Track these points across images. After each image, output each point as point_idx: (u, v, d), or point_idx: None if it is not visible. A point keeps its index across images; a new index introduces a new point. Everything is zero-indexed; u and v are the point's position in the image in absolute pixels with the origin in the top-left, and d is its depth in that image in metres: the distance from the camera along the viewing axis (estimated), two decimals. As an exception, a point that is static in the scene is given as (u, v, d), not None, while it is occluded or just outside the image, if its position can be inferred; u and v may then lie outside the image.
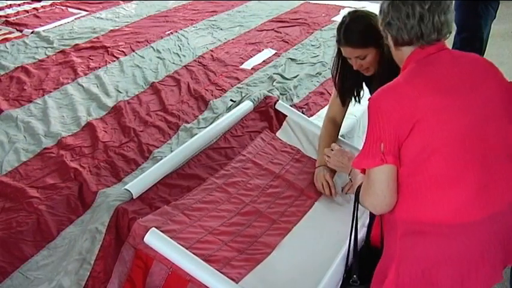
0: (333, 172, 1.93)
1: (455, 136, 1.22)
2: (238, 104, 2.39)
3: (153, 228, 1.53)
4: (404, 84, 1.27)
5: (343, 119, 2.10)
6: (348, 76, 1.93)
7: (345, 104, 2.04)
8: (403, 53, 1.33)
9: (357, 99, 2.02)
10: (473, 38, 3.61)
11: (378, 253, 1.43)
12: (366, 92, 2.05)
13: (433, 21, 1.25)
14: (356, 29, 1.74)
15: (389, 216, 1.33)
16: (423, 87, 1.24)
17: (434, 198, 1.23)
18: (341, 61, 1.88)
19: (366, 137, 1.29)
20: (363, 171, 1.32)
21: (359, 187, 1.40)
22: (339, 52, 1.85)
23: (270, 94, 2.45)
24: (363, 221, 1.76)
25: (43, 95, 2.66)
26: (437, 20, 1.25)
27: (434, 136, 1.21)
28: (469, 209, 1.22)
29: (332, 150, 1.86)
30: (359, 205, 1.46)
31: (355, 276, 1.52)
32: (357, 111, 2.42)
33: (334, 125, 2.07)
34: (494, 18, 3.66)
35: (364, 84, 2.00)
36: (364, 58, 1.76)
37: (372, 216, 1.68)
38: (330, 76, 2.85)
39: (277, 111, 2.30)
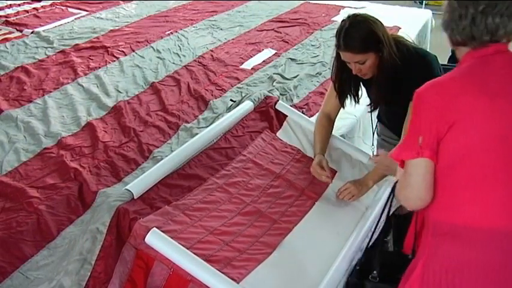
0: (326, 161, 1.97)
1: (492, 140, 1.20)
2: (238, 104, 2.39)
3: (154, 228, 1.53)
4: (451, 81, 1.26)
5: (336, 116, 2.11)
6: (347, 79, 1.93)
7: (343, 104, 2.05)
8: (460, 52, 1.30)
9: (356, 99, 2.02)
10: (473, 38, 3.61)
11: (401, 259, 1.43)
12: (364, 93, 2.06)
13: (486, 23, 1.22)
14: (356, 35, 1.73)
15: (423, 215, 1.33)
16: (469, 86, 1.22)
17: (463, 199, 1.22)
18: (340, 64, 1.88)
19: (408, 129, 1.29)
20: (402, 164, 1.29)
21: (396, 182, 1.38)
22: (338, 56, 1.85)
23: (270, 94, 2.45)
24: (370, 225, 1.76)
25: (43, 95, 2.66)
26: (490, 22, 1.22)
27: (471, 137, 1.19)
28: (495, 215, 1.21)
29: (377, 155, 1.85)
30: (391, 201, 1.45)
31: (375, 272, 1.51)
32: (357, 111, 2.42)
33: (328, 120, 2.08)
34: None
35: (362, 85, 2.01)
36: (364, 63, 1.76)
37: (401, 222, 1.68)
38: (330, 76, 2.88)
39: (277, 111, 2.30)
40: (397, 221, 2.32)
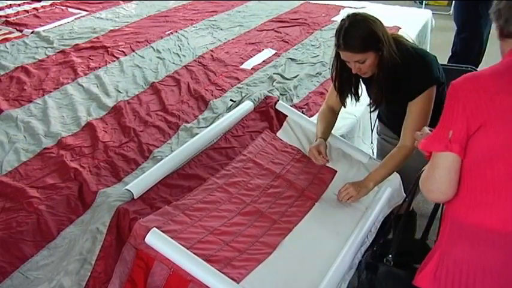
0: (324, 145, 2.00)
1: None
2: (238, 104, 2.39)
3: (154, 228, 1.53)
4: (488, 77, 1.20)
5: (340, 110, 2.12)
6: (347, 78, 1.94)
7: (344, 103, 2.05)
8: (508, 45, 1.24)
9: (356, 98, 2.03)
10: (473, 38, 3.62)
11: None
12: (364, 93, 2.06)
13: None
14: (356, 34, 1.73)
15: (445, 208, 1.32)
16: (506, 85, 1.17)
17: (487, 201, 1.20)
18: (340, 63, 1.89)
19: (439, 121, 1.25)
20: (429, 155, 1.28)
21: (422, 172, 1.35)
22: (338, 55, 1.85)
23: (270, 94, 2.45)
24: (370, 225, 1.77)
25: (43, 95, 2.66)
26: None
27: (502, 139, 1.16)
28: None
29: (421, 133, 1.73)
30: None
31: (390, 256, 1.50)
32: (357, 111, 2.42)
33: (331, 111, 2.11)
34: (495, 18, 3.66)
35: (363, 83, 2.01)
36: (364, 62, 1.77)
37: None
38: (330, 76, 2.88)
39: (277, 111, 2.30)
40: (397, 220, 2.33)
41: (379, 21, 1.78)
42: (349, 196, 1.88)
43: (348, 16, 1.78)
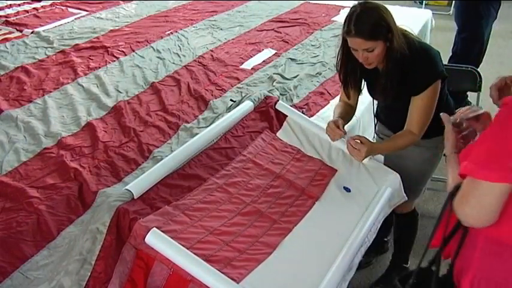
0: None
1: None
2: (238, 104, 2.39)
3: (154, 228, 1.53)
4: None
5: (355, 104, 2.10)
6: (352, 69, 1.91)
7: (349, 96, 2.04)
8: None
9: (358, 90, 2.02)
10: (474, 38, 3.62)
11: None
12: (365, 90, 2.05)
13: None
14: (368, 21, 1.70)
15: (455, 218, 1.22)
16: None
17: None
18: (346, 54, 1.85)
19: (490, 143, 1.09)
20: (465, 175, 1.12)
21: (456, 189, 1.19)
22: (344, 43, 1.80)
23: (270, 94, 2.45)
24: (370, 225, 1.77)
25: (43, 95, 2.66)
26: None
27: None
28: None
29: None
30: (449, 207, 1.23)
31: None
32: (357, 111, 2.41)
33: (346, 104, 2.08)
34: (496, 18, 3.67)
35: (366, 81, 2.00)
36: (372, 51, 1.74)
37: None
38: (330, 76, 2.88)
39: (277, 111, 2.30)
40: (397, 220, 2.33)
41: (389, 11, 1.76)
42: (358, 155, 1.88)
43: (360, 3, 1.74)
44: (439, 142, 2.05)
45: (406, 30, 1.89)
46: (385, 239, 2.57)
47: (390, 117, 2.11)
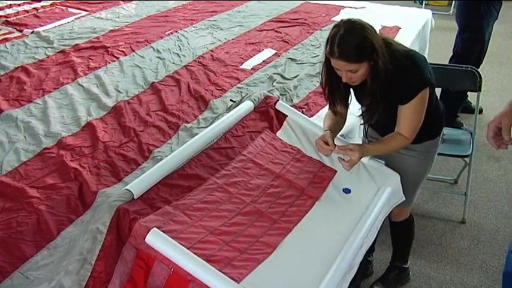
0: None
1: None
2: (238, 104, 2.40)
3: (154, 228, 1.53)
4: None
5: (345, 113, 2.04)
6: (337, 85, 1.88)
7: (335, 112, 2.00)
8: None
9: (346, 105, 1.99)
10: (475, 38, 3.62)
11: None
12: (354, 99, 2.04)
13: None
14: (351, 43, 1.66)
15: None
16: None
17: None
18: (329, 70, 1.83)
19: None
20: None
21: None
22: (327, 61, 1.78)
23: (270, 94, 2.46)
24: (370, 225, 1.76)
25: (43, 95, 2.66)
26: None
27: None
28: None
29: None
30: None
31: None
32: (357, 111, 2.42)
33: (335, 114, 2.04)
34: (497, 18, 3.67)
35: (353, 91, 1.97)
36: (356, 72, 1.72)
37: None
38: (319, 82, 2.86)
39: (277, 111, 2.30)
40: (395, 228, 2.32)
41: (374, 29, 1.73)
42: (353, 163, 1.84)
43: (344, 22, 1.71)
44: (430, 146, 2.06)
45: (388, 39, 1.86)
46: (369, 259, 2.48)
47: (380, 122, 2.09)
